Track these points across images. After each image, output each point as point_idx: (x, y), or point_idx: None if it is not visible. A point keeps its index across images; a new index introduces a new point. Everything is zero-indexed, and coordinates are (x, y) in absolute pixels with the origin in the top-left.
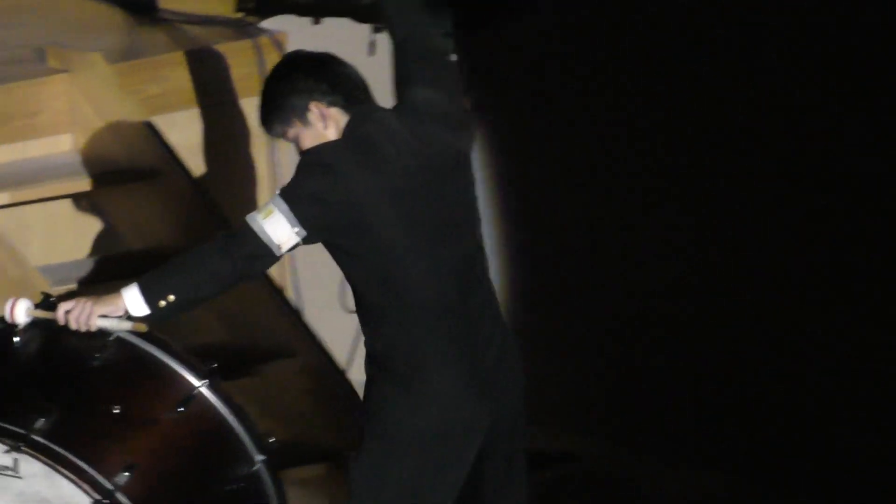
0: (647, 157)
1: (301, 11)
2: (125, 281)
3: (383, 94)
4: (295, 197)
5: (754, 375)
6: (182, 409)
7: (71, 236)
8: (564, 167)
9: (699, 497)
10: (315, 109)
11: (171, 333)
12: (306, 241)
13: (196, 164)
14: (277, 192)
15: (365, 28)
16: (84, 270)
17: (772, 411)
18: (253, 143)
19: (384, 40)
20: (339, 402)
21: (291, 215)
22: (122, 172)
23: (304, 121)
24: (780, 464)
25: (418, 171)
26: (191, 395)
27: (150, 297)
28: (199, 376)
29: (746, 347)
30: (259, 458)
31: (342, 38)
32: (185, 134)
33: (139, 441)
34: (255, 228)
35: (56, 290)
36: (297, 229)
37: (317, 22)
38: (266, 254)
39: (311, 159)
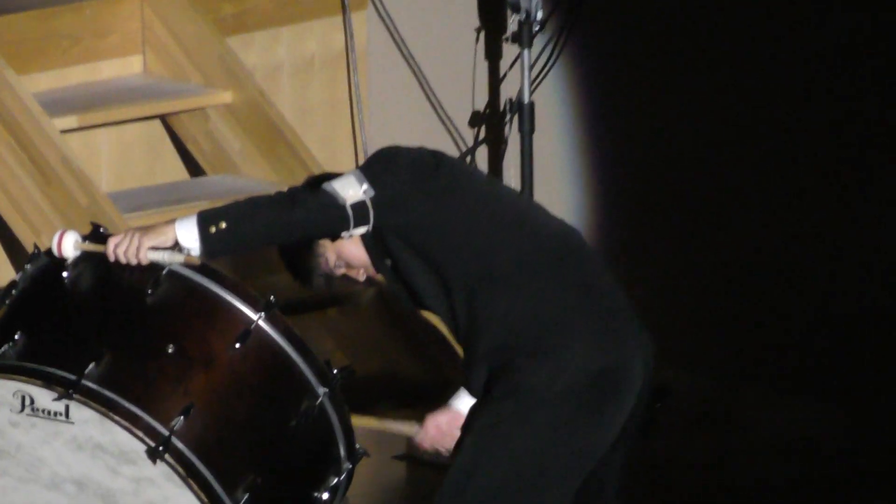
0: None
1: None
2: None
3: (467, 11)
4: (367, 168)
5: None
6: (239, 345)
7: (142, 162)
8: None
9: (800, 430)
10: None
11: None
12: (376, 206)
13: (272, 87)
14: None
15: None
16: (156, 198)
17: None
18: (335, 66)
19: None
20: (417, 332)
21: (361, 175)
22: (196, 95)
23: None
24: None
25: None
26: (248, 330)
27: (202, 222)
28: (257, 309)
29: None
30: (322, 390)
31: None
32: (261, 56)
33: (195, 382)
34: (325, 186)
35: (128, 220)
36: (364, 187)
37: None
38: (331, 204)
39: (383, 153)
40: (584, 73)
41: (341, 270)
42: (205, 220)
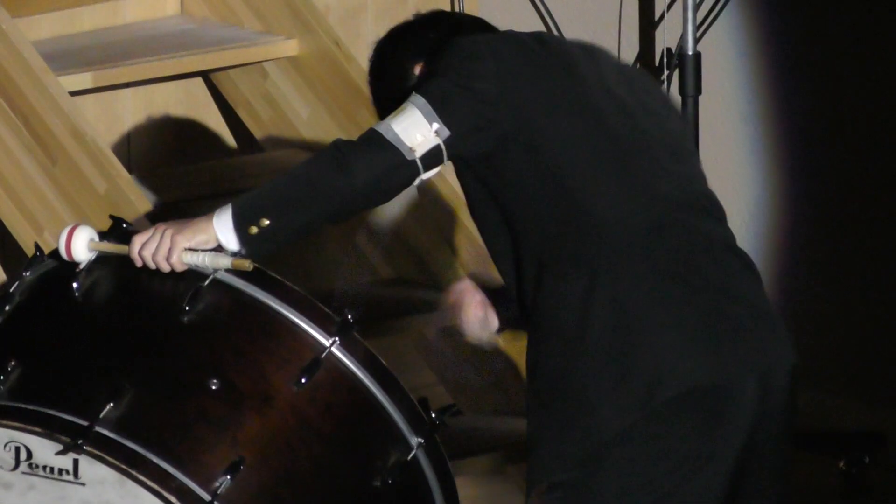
0: None
1: None
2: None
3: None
4: (434, 90)
5: None
6: (305, 379)
7: (178, 134)
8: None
9: None
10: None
11: (294, 273)
12: (451, 146)
13: (351, 34)
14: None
15: None
16: (196, 182)
17: None
18: (433, 4)
19: None
20: None
21: (429, 109)
22: (250, 44)
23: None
24: None
25: (605, 84)
26: (317, 359)
27: (239, 221)
28: (329, 331)
29: None
30: (415, 440)
31: None
32: None
33: (246, 428)
34: (382, 129)
35: (158, 212)
36: (436, 126)
37: None
38: (395, 159)
39: (453, 48)
40: (767, 18)
41: None
42: (242, 219)
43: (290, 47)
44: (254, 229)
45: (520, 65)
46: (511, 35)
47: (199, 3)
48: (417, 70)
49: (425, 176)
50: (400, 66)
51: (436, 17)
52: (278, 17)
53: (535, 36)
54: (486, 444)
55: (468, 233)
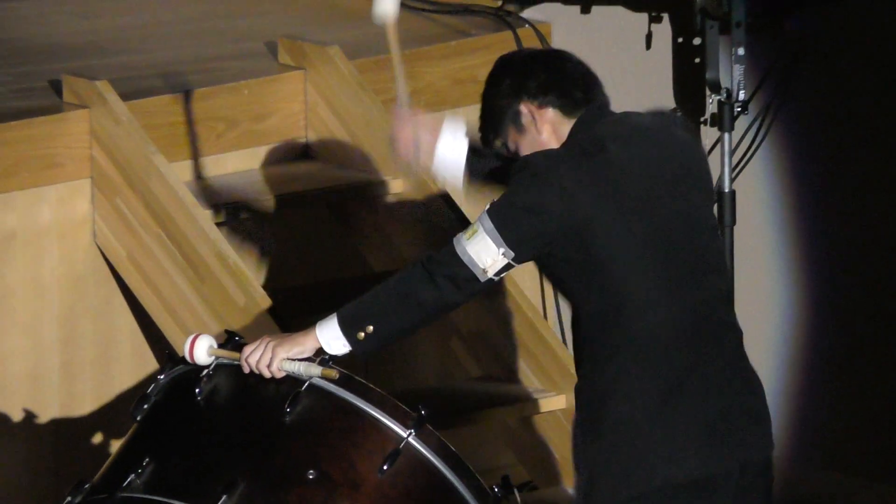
0: None
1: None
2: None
3: (661, 91)
4: (502, 213)
5: None
6: (388, 466)
7: (305, 257)
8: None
9: None
10: (526, 111)
11: (378, 374)
12: (518, 260)
13: None
14: (486, 207)
15: (641, 18)
16: (320, 295)
17: None
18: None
19: (663, 31)
20: None
21: (496, 234)
22: (364, 183)
23: (518, 126)
24: None
25: (664, 189)
26: (397, 449)
27: (347, 328)
28: (406, 425)
29: None
30: None
31: (614, 30)
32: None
33: None
34: (459, 250)
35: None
36: (503, 250)
37: (586, 11)
38: (470, 278)
39: (521, 169)
40: (793, 159)
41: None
42: (349, 326)
43: (397, 186)
44: (361, 334)
45: (580, 188)
46: (579, 151)
47: (321, 147)
48: (511, 106)
49: (498, 278)
50: (499, 100)
51: (547, 60)
52: (387, 162)
53: (599, 145)
54: None
55: (539, 335)
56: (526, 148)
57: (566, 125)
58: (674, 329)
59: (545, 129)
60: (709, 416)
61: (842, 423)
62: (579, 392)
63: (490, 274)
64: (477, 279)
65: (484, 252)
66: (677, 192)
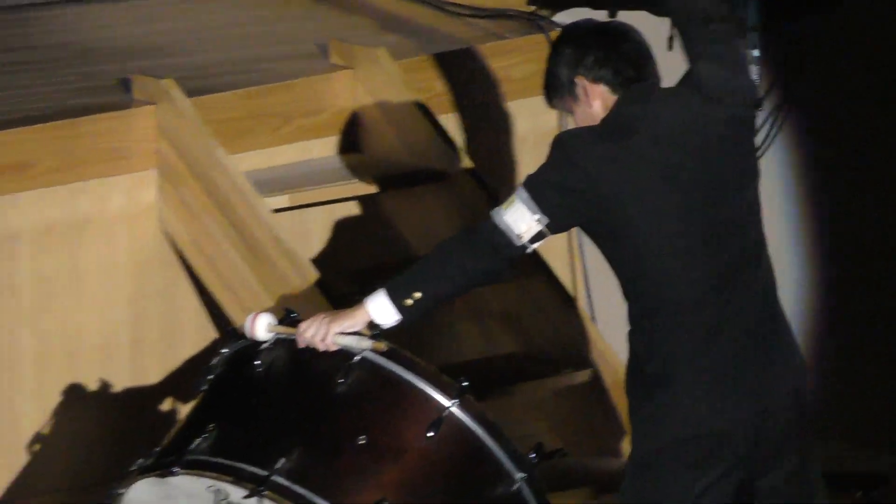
0: None
1: (596, 4)
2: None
3: None
4: (536, 185)
5: None
6: (432, 433)
7: (354, 242)
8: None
9: None
10: (580, 83)
11: (422, 350)
12: (553, 228)
13: (487, 166)
14: (524, 180)
15: (664, 22)
16: (368, 277)
17: None
18: (547, 143)
19: None
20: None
21: (532, 202)
22: (408, 175)
23: (574, 95)
24: None
25: (689, 160)
26: (441, 418)
27: (396, 297)
28: (450, 396)
29: None
30: (519, 475)
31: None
32: (473, 134)
33: (387, 474)
34: (497, 220)
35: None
36: (537, 216)
37: (613, 15)
38: (507, 244)
39: (554, 146)
40: (806, 155)
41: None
42: (397, 295)
43: (438, 176)
44: (409, 301)
45: (603, 168)
46: (609, 130)
47: (368, 142)
48: (568, 76)
49: (532, 247)
50: (559, 69)
51: (606, 36)
52: (428, 154)
53: (630, 124)
54: (580, 480)
55: (569, 315)
56: (579, 115)
57: (612, 99)
58: (700, 292)
59: (596, 102)
60: (730, 371)
61: (842, 425)
62: (628, 351)
63: (525, 239)
64: (513, 244)
65: (520, 219)
66: (704, 162)
